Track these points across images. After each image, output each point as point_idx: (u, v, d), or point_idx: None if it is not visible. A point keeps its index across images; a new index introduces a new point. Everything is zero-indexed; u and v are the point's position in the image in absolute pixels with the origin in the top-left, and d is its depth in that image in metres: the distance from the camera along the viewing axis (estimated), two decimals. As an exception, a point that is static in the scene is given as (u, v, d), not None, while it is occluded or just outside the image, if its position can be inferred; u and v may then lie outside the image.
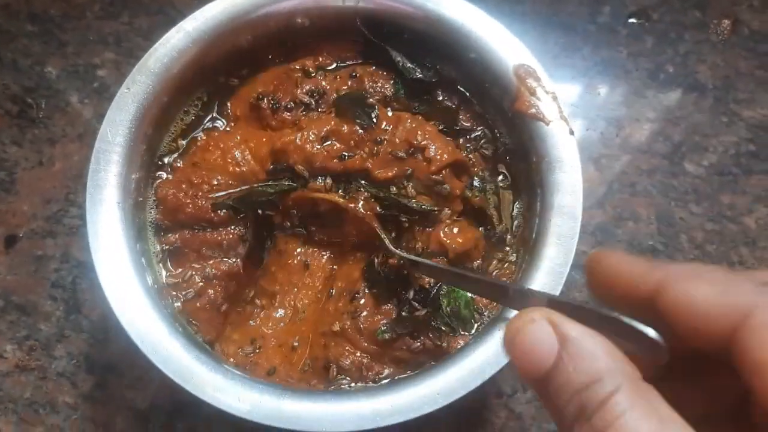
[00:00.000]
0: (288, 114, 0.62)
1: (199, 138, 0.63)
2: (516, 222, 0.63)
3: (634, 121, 0.77)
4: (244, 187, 0.61)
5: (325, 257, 0.63)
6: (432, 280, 0.58)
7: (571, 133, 0.58)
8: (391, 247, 0.58)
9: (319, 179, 0.60)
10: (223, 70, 0.65)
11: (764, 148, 0.77)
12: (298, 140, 0.59)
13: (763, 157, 0.77)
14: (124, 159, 0.57)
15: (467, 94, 0.66)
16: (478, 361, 0.52)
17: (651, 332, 0.37)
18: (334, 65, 0.67)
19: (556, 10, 0.81)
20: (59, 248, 0.72)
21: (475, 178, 0.63)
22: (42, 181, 0.74)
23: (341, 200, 0.59)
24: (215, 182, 0.60)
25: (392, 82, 0.65)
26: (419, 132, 0.60)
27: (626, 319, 0.37)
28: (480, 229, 0.62)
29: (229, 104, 0.66)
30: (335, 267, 0.63)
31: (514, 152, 0.64)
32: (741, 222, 0.75)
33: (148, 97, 0.59)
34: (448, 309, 0.57)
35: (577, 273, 0.65)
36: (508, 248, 0.62)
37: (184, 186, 0.60)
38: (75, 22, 0.79)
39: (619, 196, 0.75)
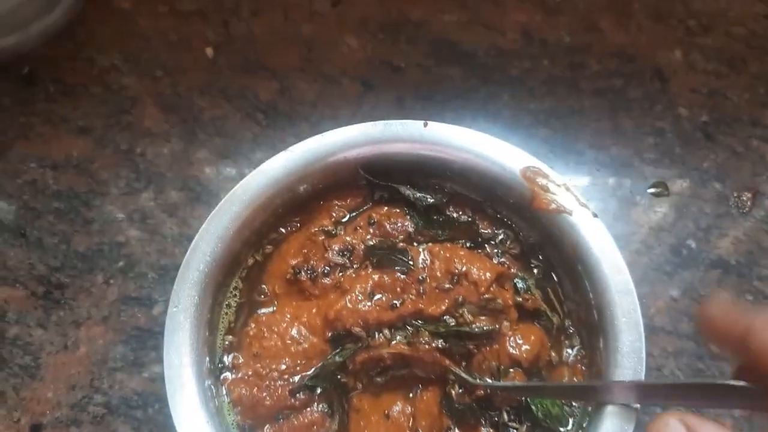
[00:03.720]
0: (327, 279, 0.64)
1: (249, 328, 0.64)
2: (568, 306, 0.65)
3: (658, 299, 0.77)
4: (315, 366, 0.61)
5: (400, 402, 0.64)
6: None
7: (595, 215, 0.61)
8: (472, 380, 0.59)
9: (376, 334, 0.61)
10: (249, 252, 0.68)
11: (790, 327, 0.76)
12: (348, 304, 0.61)
13: (790, 337, 0.76)
14: (195, 373, 0.58)
15: (479, 202, 0.69)
16: None
17: (739, 383, 0.40)
18: (347, 216, 0.69)
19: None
20: (83, 439, 0.72)
21: (516, 281, 0.65)
22: (67, 366, 0.74)
23: (405, 349, 0.61)
24: (283, 367, 0.61)
25: (408, 216, 0.67)
26: (455, 259, 0.62)
27: (719, 380, 0.41)
28: (536, 324, 0.64)
29: (264, 286, 0.67)
30: (411, 408, 0.63)
31: (542, 244, 0.66)
32: (770, 405, 0.74)
33: (196, 308, 0.60)
34: (540, 414, 0.58)
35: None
36: (570, 331, 0.64)
37: (254, 381, 0.61)
38: (100, 199, 0.80)
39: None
